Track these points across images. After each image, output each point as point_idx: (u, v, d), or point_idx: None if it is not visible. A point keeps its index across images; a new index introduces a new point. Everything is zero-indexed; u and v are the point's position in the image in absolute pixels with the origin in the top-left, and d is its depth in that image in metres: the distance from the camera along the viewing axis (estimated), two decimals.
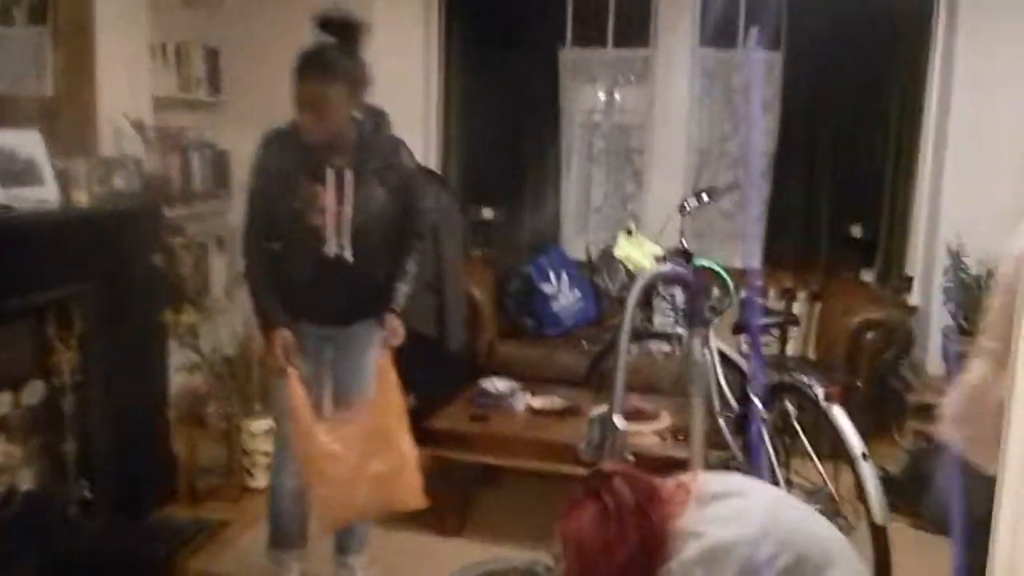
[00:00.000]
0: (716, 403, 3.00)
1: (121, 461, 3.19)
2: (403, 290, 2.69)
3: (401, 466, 2.64)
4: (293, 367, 2.54)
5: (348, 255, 2.53)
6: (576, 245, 4.69)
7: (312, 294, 2.58)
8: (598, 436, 2.54)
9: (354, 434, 2.57)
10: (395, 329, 2.64)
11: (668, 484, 1.95)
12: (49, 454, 3.00)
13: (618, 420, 2.55)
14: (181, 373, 3.50)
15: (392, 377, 2.62)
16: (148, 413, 3.38)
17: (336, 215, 2.49)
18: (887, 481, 2.50)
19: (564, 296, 4.38)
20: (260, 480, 3.46)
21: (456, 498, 3.25)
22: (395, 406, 2.63)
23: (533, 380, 3.72)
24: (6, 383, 2.77)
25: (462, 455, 3.20)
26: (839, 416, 2.48)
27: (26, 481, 2.93)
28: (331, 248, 2.52)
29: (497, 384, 3.41)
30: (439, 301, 3.92)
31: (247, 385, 3.58)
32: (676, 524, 1.84)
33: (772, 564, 1.79)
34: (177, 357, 3.47)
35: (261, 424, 3.50)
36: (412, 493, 2.69)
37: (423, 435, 3.28)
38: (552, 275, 4.40)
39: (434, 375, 3.89)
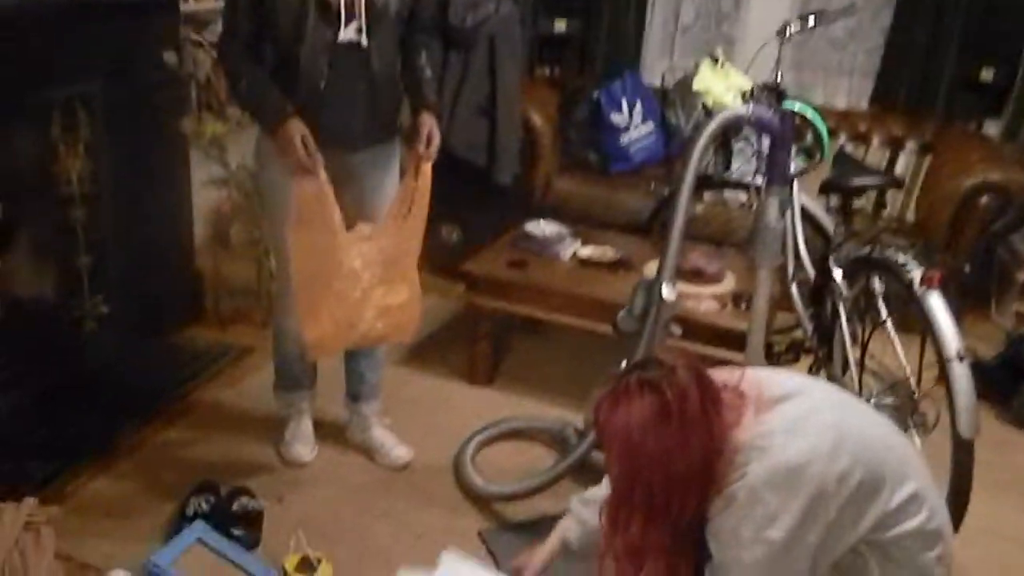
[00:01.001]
0: (791, 267, 2.60)
1: (139, 277, 3.01)
2: (430, 87, 2.30)
3: (409, 300, 2.35)
4: (314, 160, 2.10)
5: (364, 40, 2.12)
6: (656, 71, 4.15)
7: (320, 103, 2.16)
8: (641, 305, 2.20)
9: (374, 254, 2.24)
10: (431, 131, 2.23)
11: (719, 386, 1.62)
12: (61, 268, 2.81)
13: (666, 289, 2.19)
14: (208, 188, 3.24)
15: (426, 200, 2.27)
16: (169, 228, 3.17)
17: None
18: (976, 367, 2.10)
19: (635, 129, 3.90)
20: None
21: (488, 346, 2.98)
22: (419, 232, 2.31)
23: (590, 223, 3.36)
24: (3, 189, 2.54)
25: (496, 303, 2.91)
26: (936, 306, 2.06)
27: (39, 294, 2.78)
28: (347, 32, 2.10)
29: (544, 227, 3.05)
30: (491, 126, 3.50)
31: None
32: (736, 436, 1.52)
33: (846, 481, 1.49)
34: (200, 172, 3.19)
35: None
36: (411, 328, 2.43)
37: (459, 276, 3.01)
38: (624, 104, 3.90)
39: (481, 210, 3.57)
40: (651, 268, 2.59)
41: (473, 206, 3.57)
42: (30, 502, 2.08)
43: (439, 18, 3.40)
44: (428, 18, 2.37)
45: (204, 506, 2.28)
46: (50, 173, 2.69)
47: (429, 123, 2.25)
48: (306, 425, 2.62)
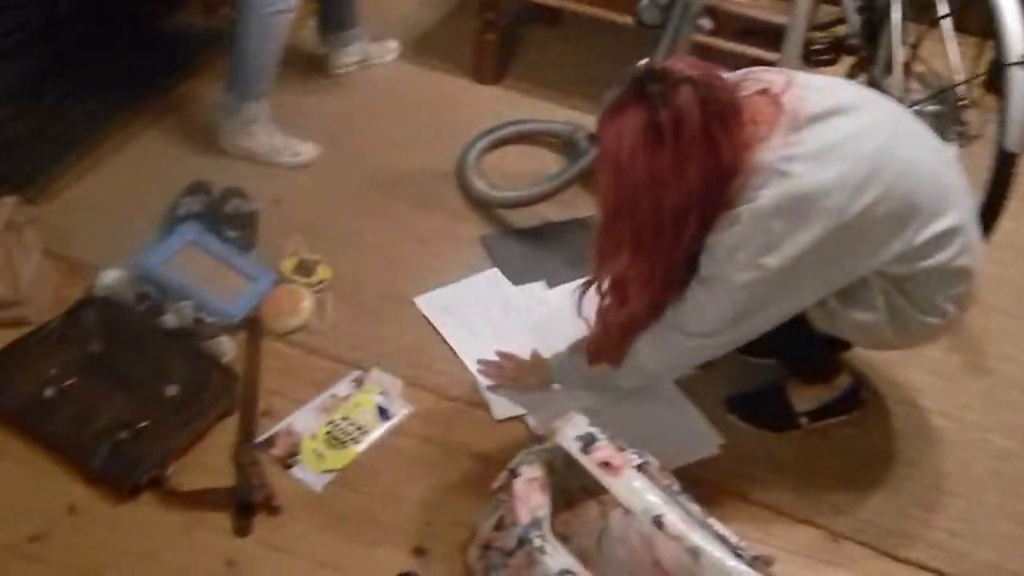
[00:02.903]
0: None
1: None
2: None
3: None
4: None
5: None
6: None
7: None
8: None
9: None
10: None
11: (752, 92, 1.42)
12: None
13: None
14: None
15: None
16: None
17: None
18: None
19: None
20: None
21: (497, 38, 2.72)
22: None
23: None
24: None
25: None
26: (1006, 1, 1.79)
27: None
28: None
29: None
30: None
31: None
32: (757, 156, 1.35)
33: (868, 214, 1.35)
34: None
35: None
36: None
37: None
38: None
39: None
40: None
41: None
42: (10, 201, 1.99)
43: None
44: None
45: (196, 207, 2.19)
46: None
47: None
48: (269, 119, 2.41)
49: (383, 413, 1.82)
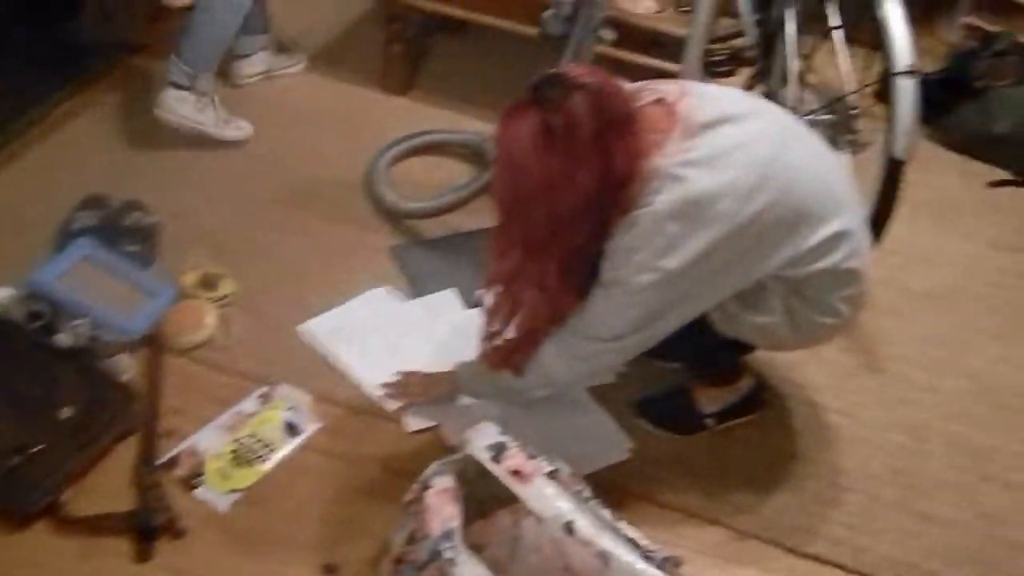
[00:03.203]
0: None
1: None
2: None
3: None
4: None
5: None
6: None
7: None
8: (569, 5, 1.95)
9: None
10: None
11: (647, 102, 1.45)
12: None
13: None
14: None
15: None
16: None
17: None
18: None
19: None
20: None
21: (404, 49, 2.72)
22: None
23: None
24: None
25: (413, 0, 2.60)
26: (893, 13, 1.87)
27: None
28: None
29: None
30: None
31: None
32: (651, 163, 1.38)
33: (759, 220, 1.40)
34: None
35: None
36: None
37: None
38: None
39: None
40: None
41: None
42: None
43: None
44: None
45: (92, 221, 2.11)
46: None
47: None
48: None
49: (291, 429, 1.78)
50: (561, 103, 1.32)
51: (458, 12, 2.61)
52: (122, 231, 2.09)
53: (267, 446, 1.74)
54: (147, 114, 2.46)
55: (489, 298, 1.57)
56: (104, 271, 1.98)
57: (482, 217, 2.30)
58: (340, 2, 3.09)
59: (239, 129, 2.46)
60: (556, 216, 1.38)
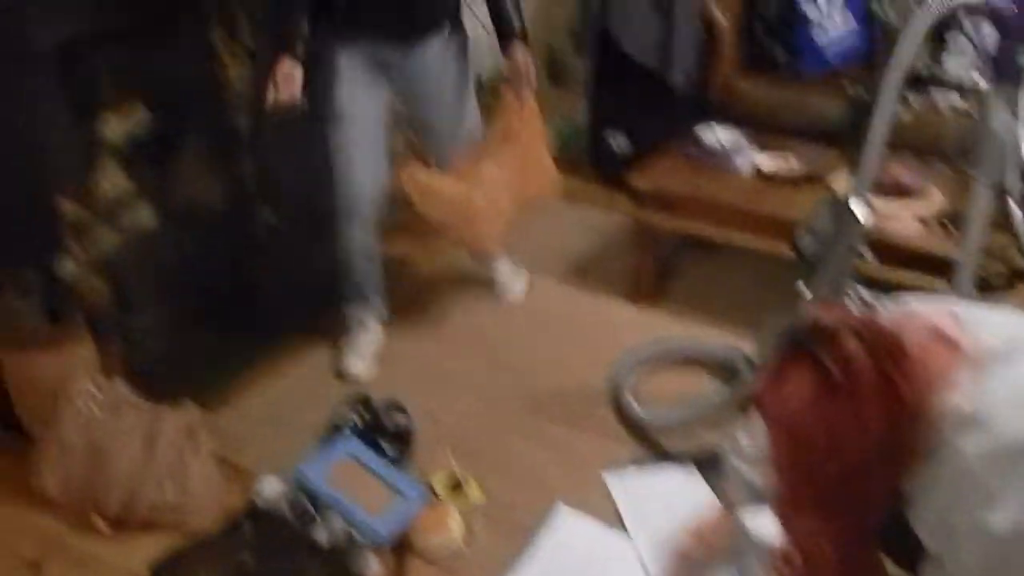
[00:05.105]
0: (1014, 181, 2.21)
1: (306, 187, 2.99)
2: (513, 10, 2.23)
3: (540, 174, 2.37)
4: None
5: None
6: None
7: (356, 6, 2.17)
8: (826, 226, 1.92)
9: (485, 176, 2.20)
10: (524, 66, 2.19)
11: (921, 331, 1.34)
12: (226, 177, 2.83)
13: (858, 207, 1.90)
14: None
15: (537, 126, 2.27)
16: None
17: None
18: None
19: (832, 22, 3.46)
20: None
21: (654, 263, 2.78)
22: (536, 155, 2.23)
23: (773, 130, 3.03)
24: (167, 97, 2.54)
25: (663, 218, 2.69)
26: None
27: (203, 203, 2.81)
28: None
29: (720, 134, 2.77)
30: (665, 22, 3.20)
31: None
32: (942, 400, 1.23)
33: None
34: None
35: None
36: (548, 183, 2.45)
37: (625, 187, 2.81)
38: None
39: (651, 115, 3.31)
40: (841, 182, 2.28)
41: (642, 110, 3.31)
42: (190, 406, 2.13)
43: None
44: None
45: (356, 419, 2.26)
46: (212, 80, 2.68)
47: (522, 58, 2.19)
48: (365, 339, 2.56)
49: None
50: (834, 350, 1.25)
51: (710, 232, 2.65)
52: (382, 431, 2.22)
53: None
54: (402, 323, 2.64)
55: (779, 555, 1.46)
56: (363, 469, 2.09)
57: (728, 432, 2.22)
58: (594, 219, 3.25)
59: (347, 367, 2.51)
60: (848, 469, 1.25)
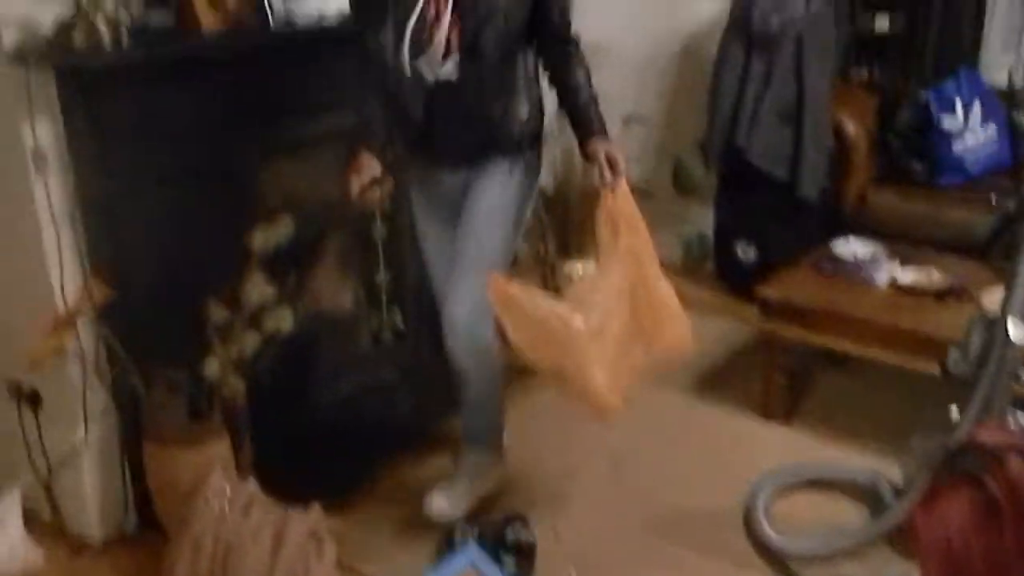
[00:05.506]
0: None
1: (431, 293, 3.07)
2: (593, 111, 2.17)
3: (662, 314, 2.14)
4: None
5: (456, 75, 2.09)
6: (999, 67, 3.57)
7: (421, 133, 2.20)
8: (979, 345, 1.81)
9: (595, 301, 2.06)
10: (609, 155, 2.10)
11: None
12: (361, 283, 2.93)
13: (1014, 327, 1.79)
14: None
15: (636, 222, 2.11)
16: None
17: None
18: None
19: (972, 134, 3.36)
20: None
21: (786, 379, 2.68)
22: (645, 256, 2.12)
23: (911, 243, 2.93)
24: (315, 211, 2.67)
25: (795, 332, 2.60)
26: None
27: (339, 308, 2.91)
28: (441, 70, 2.09)
29: (855, 247, 2.69)
30: (795, 135, 3.18)
31: (565, 223, 3.24)
32: None
33: None
34: None
35: (577, 267, 3.18)
36: (678, 339, 2.18)
37: (755, 299, 2.74)
38: (959, 105, 3.38)
39: (782, 227, 3.27)
40: (992, 299, 2.16)
41: (773, 222, 3.27)
42: (316, 510, 2.14)
43: (742, 19, 3.17)
44: (561, 22, 2.17)
45: (478, 530, 2.22)
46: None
47: (602, 148, 2.12)
48: (452, 478, 2.40)
49: None
50: (996, 472, 1.17)
51: (847, 346, 2.55)
52: (504, 544, 2.17)
53: None
54: (539, 430, 2.62)
55: None
56: None
57: (875, 565, 2.08)
58: (724, 331, 3.18)
59: (429, 507, 2.33)
60: None
